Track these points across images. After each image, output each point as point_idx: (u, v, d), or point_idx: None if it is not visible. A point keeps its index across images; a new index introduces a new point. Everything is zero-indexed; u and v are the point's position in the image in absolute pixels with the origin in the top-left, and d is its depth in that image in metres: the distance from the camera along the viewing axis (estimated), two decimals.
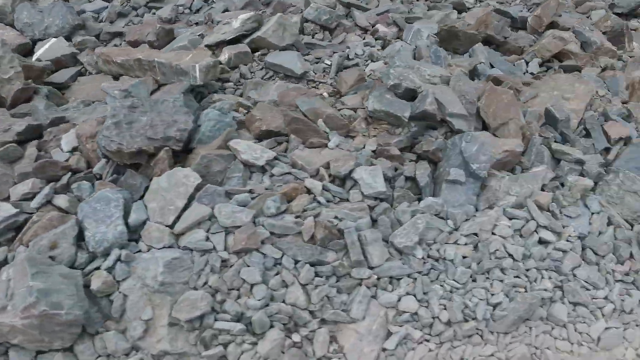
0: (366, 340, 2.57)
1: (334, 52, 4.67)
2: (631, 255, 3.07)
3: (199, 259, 2.60)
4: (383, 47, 4.68)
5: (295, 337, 2.54)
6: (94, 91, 3.87)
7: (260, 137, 3.31)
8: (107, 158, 3.00)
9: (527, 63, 4.81)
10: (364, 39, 5.02)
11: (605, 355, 2.78)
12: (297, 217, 2.81)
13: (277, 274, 2.64)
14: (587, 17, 6.42)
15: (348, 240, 2.70)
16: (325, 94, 3.95)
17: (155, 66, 3.77)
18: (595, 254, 3.02)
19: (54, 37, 4.60)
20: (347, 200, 2.94)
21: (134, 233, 2.70)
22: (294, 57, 4.35)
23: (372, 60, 4.42)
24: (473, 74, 4.21)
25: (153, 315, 2.48)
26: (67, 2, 5.22)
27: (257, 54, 4.46)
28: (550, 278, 2.89)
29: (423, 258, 2.78)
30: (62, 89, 4.04)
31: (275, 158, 3.04)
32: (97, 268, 2.55)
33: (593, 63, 4.97)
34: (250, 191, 2.86)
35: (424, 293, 2.72)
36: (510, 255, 2.87)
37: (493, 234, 2.94)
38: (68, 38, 4.72)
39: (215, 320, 2.49)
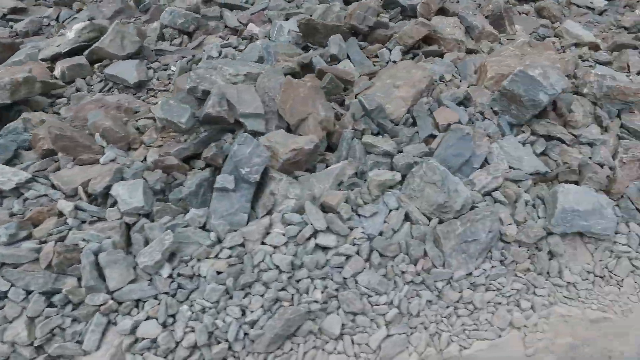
0: None
1: (183, 57, 4.48)
2: (425, 253, 2.79)
3: None
4: None
5: None
6: None
7: (44, 156, 3.11)
8: None
9: (390, 51, 4.55)
10: (227, 39, 4.81)
11: None
12: (41, 242, 2.60)
13: (2, 308, 2.42)
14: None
15: (82, 264, 2.48)
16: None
17: None
18: (382, 255, 2.74)
19: None
20: (104, 219, 2.71)
21: None
22: (132, 66, 4.15)
23: None
24: (309, 67, 3.97)
25: None
26: None
27: (98, 65, 4.27)
28: (325, 287, 2.62)
29: (171, 277, 2.54)
30: None
31: (33, 179, 2.84)
32: None
33: (459, 47, 4.69)
34: None
35: (170, 315, 2.47)
36: (277, 267, 2.61)
37: (263, 243, 2.69)
38: None
39: None
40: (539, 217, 3.08)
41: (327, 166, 3.14)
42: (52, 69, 4.25)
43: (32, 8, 5.72)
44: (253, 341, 2.46)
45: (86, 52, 4.27)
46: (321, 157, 3.22)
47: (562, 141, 3.57)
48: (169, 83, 4.25)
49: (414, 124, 3.49)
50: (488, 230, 2.82)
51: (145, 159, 3.03)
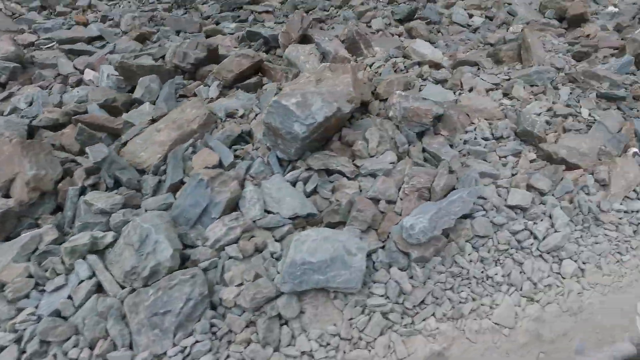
0: None
1: None
2: (107, 333, 2.27)
3: None
4: None
5: None
6: None
7: None
8: None
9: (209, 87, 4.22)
10: (51, 88, 4.51)
11: None
12: None
13: None
14: (368, 25, 5.95)
15: None
16: None
17: None
18: (44, 341, 2.23)
19: None
20: None
21: None
22: None
23: None
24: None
25: None
26: None
27: None
28: None
29: None
30: None
31: None
32: None
33: (287, 77, 4.35)
34: None
35: None
36: None
37: None
38: None
39: None
40: (277, 273, 2.56)
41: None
42: None
43: None
44: None
45: None
46: (33, 221, 2.78)
47: (343, 174, 3.10)
48: None
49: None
50: (186, 298, 2.31)
51: None
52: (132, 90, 4.25)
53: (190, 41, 4.55)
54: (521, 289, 2.60)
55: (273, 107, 2.97)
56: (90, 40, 5.44)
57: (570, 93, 3.88)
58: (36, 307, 2.32)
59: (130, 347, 2.26)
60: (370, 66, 4.68)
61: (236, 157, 3.19)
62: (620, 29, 5.33)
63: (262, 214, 2.81)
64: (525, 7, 6.30)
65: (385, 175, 3.02)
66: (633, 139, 3.38)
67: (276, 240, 2.73)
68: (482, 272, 2.65)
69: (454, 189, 2.95)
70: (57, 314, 2.31)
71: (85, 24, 5.89)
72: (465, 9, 6.50)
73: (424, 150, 3.30)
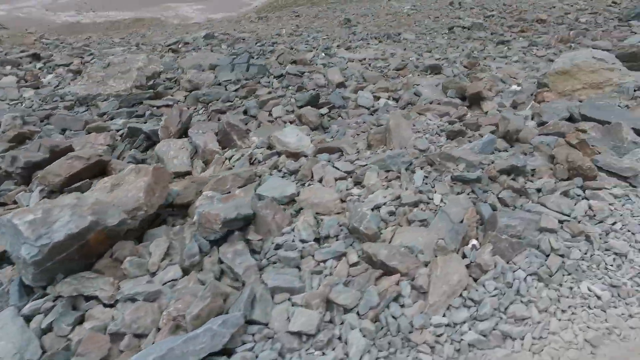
0: None
1: None
2: None
3: None
4: None
5: None
6: None
7: None
8: None
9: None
10: None
11: None
12: None
13: None
14: (270, 114, 5.69)
15: None
16: None
17: None
18: None
19: None
20: None
21: None
22: None
23: None
24: None
25: None
26: None
27: None
28: None
29: None
30: None
31: None
32: None
33: None
34: None
35: None
36: None
37: None
38: None
39: None
40: None
41: None
42: None
43: None
44: None
45: None
46: None
47: (100, 301, 2.48)
48: None
49: None
50: None
51: None
52: None
53: (33, 142, 4.24)
54: None
55: (6, 226, 2.46)
56: None
57: (426, 177, 3.34)
58: None
59: None
60: (230, 159, 4.27)
61: None
62: (515, 105, 4.94)
63: None
64: (430, 89, 6.02)
65: (146, 300, 2.40)
66: (475, 229, 2.76)
67: None
68: None
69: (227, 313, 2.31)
70: None
71: None
72: (372, 92, 6.25)
73: (220, 261, 2.71)
